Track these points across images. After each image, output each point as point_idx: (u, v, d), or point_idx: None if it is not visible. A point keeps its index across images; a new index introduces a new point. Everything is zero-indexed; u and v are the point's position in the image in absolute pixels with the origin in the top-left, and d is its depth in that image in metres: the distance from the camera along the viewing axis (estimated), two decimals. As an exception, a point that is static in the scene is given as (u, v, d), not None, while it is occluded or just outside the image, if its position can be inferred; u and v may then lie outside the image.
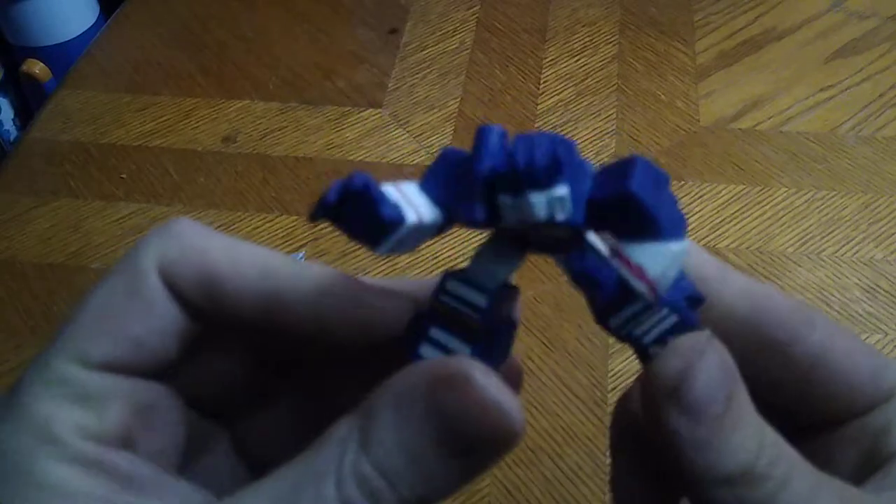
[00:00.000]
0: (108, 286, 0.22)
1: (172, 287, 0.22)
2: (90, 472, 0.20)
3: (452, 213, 0.20)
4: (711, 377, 0.19)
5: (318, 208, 0.19)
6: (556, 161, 0.18)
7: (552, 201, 0.18)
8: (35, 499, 0.19)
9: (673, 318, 0.21)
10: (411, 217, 0.19)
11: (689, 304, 0.21)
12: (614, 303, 0.20)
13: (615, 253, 0.19)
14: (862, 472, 0.23)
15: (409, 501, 0.19)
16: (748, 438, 0.20)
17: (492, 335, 0.21)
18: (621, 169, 0.19)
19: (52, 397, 0.20)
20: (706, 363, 0.19)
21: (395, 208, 0.19)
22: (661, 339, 0.21)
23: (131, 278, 0.22)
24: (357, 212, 0.19)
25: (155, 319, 0.22)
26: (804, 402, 0.24)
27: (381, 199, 0.18)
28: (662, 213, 0.18)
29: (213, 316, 0.22)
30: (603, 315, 0.21)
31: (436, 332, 0.21)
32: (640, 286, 0.19)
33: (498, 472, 0.40)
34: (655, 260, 0.19)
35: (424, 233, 0.20)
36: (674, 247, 0.19)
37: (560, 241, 0.20)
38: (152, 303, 0.22)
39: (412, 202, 0.19)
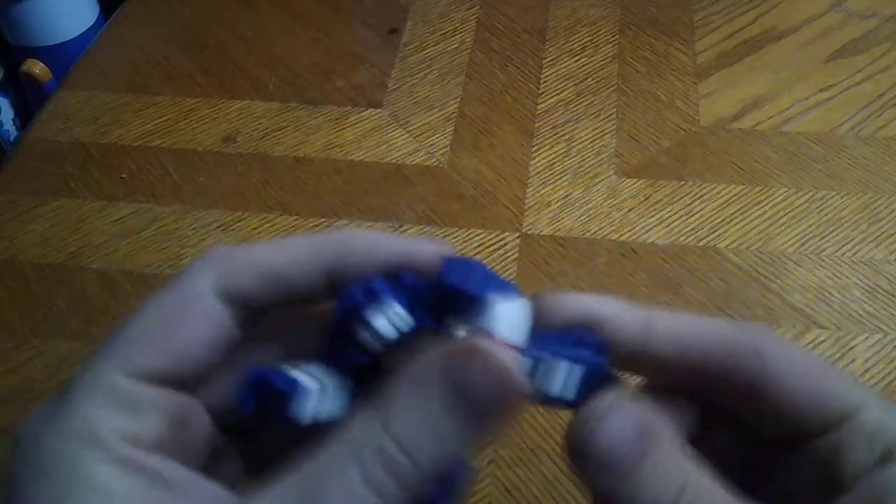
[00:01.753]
0: (160, 302, 0.24)
1: (235, 296, 0.24)
2: (131, 474, 0.21)
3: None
4: (614, 439, 0.22)
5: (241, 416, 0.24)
6: (379, 289, 0.23)
7: (391, 317, 0.23)
8: (80, 497, 0.20)
9: (579, 370, 0.23)
10: (312, 387, 0.23)
11: (596, 351, 0.24)
12: None
13: (474, 331, 0.23)
14: (820, 494, 0.23)
15: (427, 471, 0.21)
16: (663, 492, 0.21)
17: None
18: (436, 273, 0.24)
19: (100, 404, 0.22)
20: (607, 426, 0.22)
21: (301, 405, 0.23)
22: (584, 391, 0.23)
23: (184, 295, 0.24)
24: (271, 410, 0.23)
25: (203, 334, 0.24)
26: (757, 424, 0.25)
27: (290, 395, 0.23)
28: (473, 286, 0.23)
29: (276, 307, 0.25)
30: None
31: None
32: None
33: (498, 472, 0.40)
34: (498, 322, 0.23)
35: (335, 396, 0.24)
36: (504, 306, 0.23)
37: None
38: (203, 319, 0.24)
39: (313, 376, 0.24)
